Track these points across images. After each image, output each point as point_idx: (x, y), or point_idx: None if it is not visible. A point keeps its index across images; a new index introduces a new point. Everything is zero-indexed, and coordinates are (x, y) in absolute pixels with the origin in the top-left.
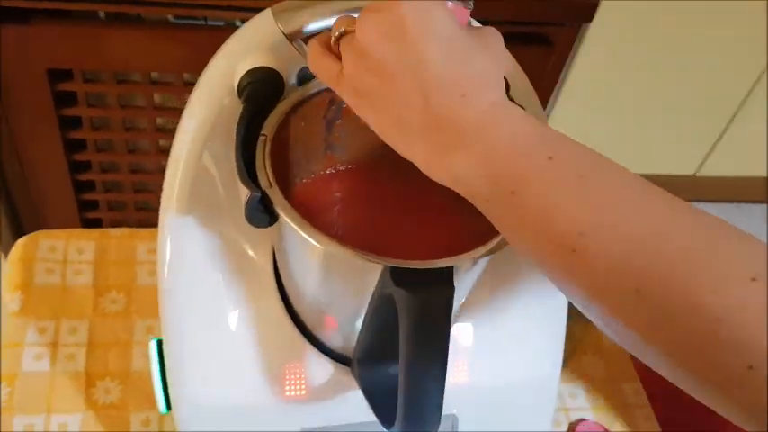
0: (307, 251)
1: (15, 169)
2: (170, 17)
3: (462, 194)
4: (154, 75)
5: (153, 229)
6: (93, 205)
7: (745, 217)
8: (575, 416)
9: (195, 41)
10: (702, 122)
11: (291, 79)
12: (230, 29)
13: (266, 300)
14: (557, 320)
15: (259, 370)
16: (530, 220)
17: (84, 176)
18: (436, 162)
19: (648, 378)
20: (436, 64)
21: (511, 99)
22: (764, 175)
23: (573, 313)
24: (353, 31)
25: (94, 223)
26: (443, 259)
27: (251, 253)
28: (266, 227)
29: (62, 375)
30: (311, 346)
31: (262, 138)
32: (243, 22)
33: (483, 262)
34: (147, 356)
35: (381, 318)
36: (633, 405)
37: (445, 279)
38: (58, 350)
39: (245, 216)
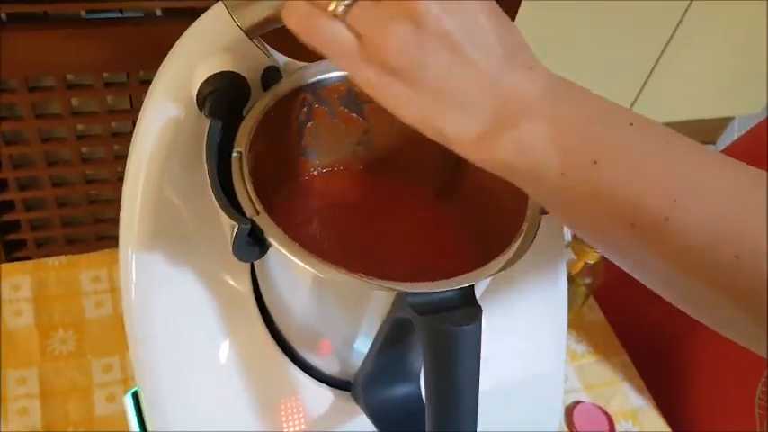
0: (303, 277)
1: None
2: (82, 12)
3: (521, 172)
4: (70, 77)
5: (92, 254)
6: (15, 226)
7: None
8: (569, 398)
9: (113, 37)
10: (627, 71)
11: (256, 82)
12: (151, 20)
13: (251, 329)
14: (558, 314)
15: (252, 409)
16: (612, 193)
17: (1, 197)
18: (494, 137)
19: (634, 347)
20: (498, 35)
21: None
22: (692, 118)
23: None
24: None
25: (17, 246)
26: (463, 276)
27: (230, 281)
28: (256, 259)
29: None
30: (306, 375)
31: (236, 155)
32: (163, 11)
33: None
34: (110, 400)
35: (393, 342)
36: (624, 379)
37: (469, 299)
38: (8, 405)
39: (234, 252)
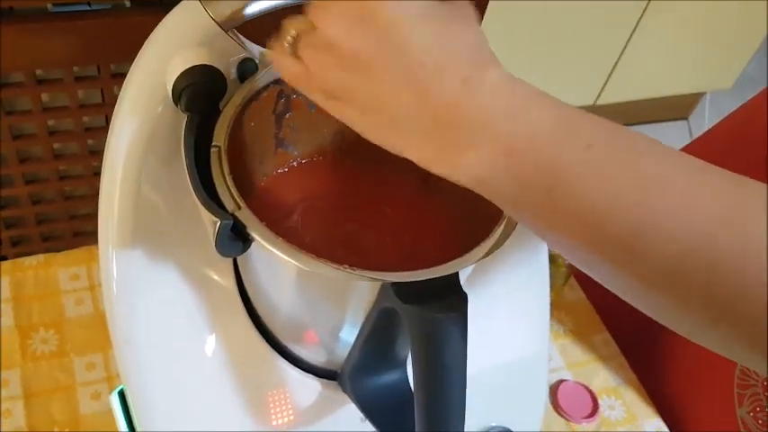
0: (287, 270)
1: None
2: (49, 6)
3: (485, 196)
4: (39, 73)
5: (69, 252)
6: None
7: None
8: (553, 377)
9: (82, 30)
10: (598, 49)
11: (232, 75)
12: (120, 12)
13: (236, 323)
14: (540, 295)
15: (240, 403)
16: (573, 219)
17: None
18: (447, 162)
19: (616, 326)
20: (420, 47)
21: None
22: (664, 95)
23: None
24: (310, 29)
25: None
26: (448, 264)
27: (213, 276)
28: (239, 254)
29: None
30: (292, 366)
31: (215, 150)
32: (132, 2)
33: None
34: (95, 398)
35: (379, 331)
36: (606, 357)
37: (454, 286)
38: None
39: (216, 248)
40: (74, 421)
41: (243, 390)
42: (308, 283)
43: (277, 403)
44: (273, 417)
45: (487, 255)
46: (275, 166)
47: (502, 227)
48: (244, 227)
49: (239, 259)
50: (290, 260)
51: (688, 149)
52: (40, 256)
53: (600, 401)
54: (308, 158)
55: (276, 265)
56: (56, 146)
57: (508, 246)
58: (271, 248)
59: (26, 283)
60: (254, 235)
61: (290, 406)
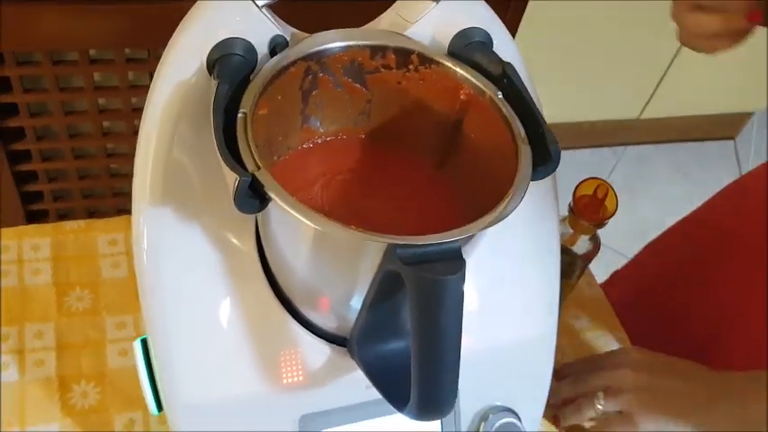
0: (300, 232)
1: None
2: None
3: None
4: (92, 52)
5: (110, 219)
6: (38, 197)
7: (690, 155)
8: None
9: (134, 13)
10: (645, 64)
11: (263, 49)
12: None
13: (254, 287)
14: (550, 280)
15: (253, 360)
16: None
17: (25, 167)
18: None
19: (633, 326)
20: None
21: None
22: (710, 113)
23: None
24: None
25: (40, 215)
26: (451, 232)
27: (234, 240)
28: (257, 212)
29: (33, 383)
30: (305, 331)
31: (241, 116)
32: None
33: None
34: (122, 355)
35: (384, 296)
36: None
37: (455, 253)
38: (26, 357)
39: (235, 203)
40: (100, 374)
41: (257, 347)
42: (319, 246)
43: (288, 364)
44: (284, 376)
45: (487, 227)
46: (300, 141)
47: (505, 203)
48: (261, 185)
49: (260, 225)
50: (301, 217)
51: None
52: (82, 222)
53: None
54: (333, 136)
55: (290, 228)
56: (105, 124)
57: (519, 227)
58: (283, 205)
59: (67, 245)
60: (270, 193)
61: (300, 367)
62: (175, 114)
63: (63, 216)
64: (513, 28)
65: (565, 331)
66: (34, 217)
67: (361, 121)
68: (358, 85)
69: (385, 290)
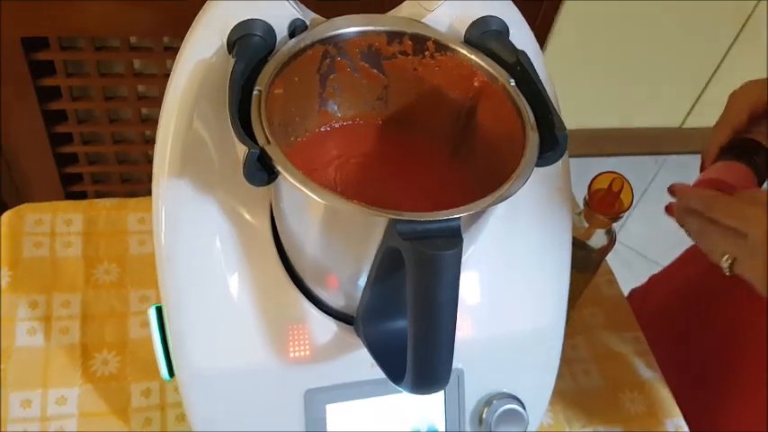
0: (308, 208)
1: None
2: None
3: None
4: (133, 40)
5: (142, 199)
6: (77, 178)
7: None
8: (577, 367)
9: (174, 4)
10: (687, 75)
11: (282, 31)
12: None
13: (266, 262)
14: (560, 271)
15: (262, 332)
16: None
17: (66, 149)
18: None
19: (650, 327)
20: None
21: (510, 42)
22: None
23: (576, 268)
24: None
25: (79, 196)
26: (450, 210)
27: (247, 217)
28: (265, 185)
29: (57, 349)
30: (314, 307)
31: (256, 93)
32: None
33: (488, 214)
34: (144, 327)
35: (386, 273)
36: (634, 353)
37: (453, 231)
38: (52, 324)
39: (244, 174)
40: (122, 344)
41: (266, 321)
42: (327, 225)
43: (296, 338)
44: (291, 350)
45: (485, 208)
46: (318, 124)
47: (508, 185)
48: (270, 158)
49: (273, 203)
50: (306, 191)
51: None
52: (114, 200)
53: (621, 394)
54: (350, 121)
55: (299, 206)
56: (143, 110)
57: (532, 219)
58: (290, 179)
59: (98, 221)
60: (278, 167)
61: (307, 342)
62: (195, 92)
63: (102, 197)
64: (545, 27)
65: (581, 328)
66: (74, 198)
67: (379, 107)
68: (375, 71)
69: (387, 267)
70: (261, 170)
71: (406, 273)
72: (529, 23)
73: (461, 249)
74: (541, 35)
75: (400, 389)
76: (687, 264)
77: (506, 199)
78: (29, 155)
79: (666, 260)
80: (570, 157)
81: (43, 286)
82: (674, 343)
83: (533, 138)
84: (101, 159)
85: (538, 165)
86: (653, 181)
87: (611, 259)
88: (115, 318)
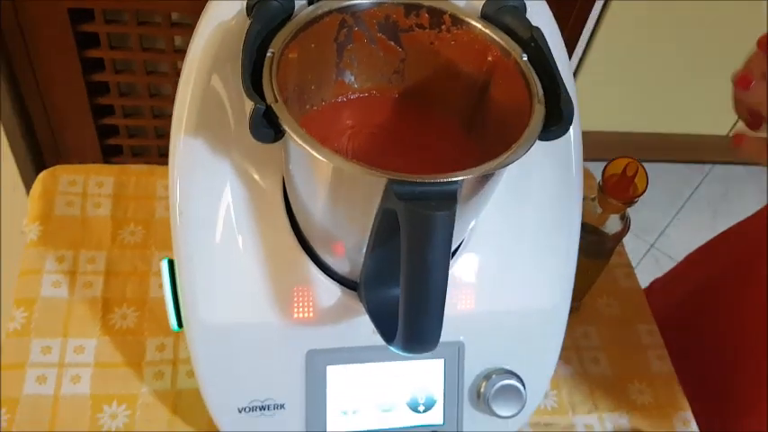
0: (312, 169)
1: (40, 114)
2: None
3: None
4: (174, 16)
5: None
6: (118, 150)
7: None
8: (586, 354)
9: None
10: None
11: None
12: None
13: (275, 224)
14: (568, 254)
15: (268, 292)
16: None
17: (107, 121)
18: None
19: (665, 320)
20: None
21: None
22: None
23: (589, 254)
24: None
25: None
26: (447, 174)
27: (259, 179)
28: (271, 142)
29: (80, 302)
30: (319, 271)
31: (269, 55)
32: None
33: (491, 185)
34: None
35: (384, 237)
36: (647, 346)
37: (449, 194)
38: (77, 278)
39: (249, 129)
40: (141, 301)
41: (272, 281)
42: (330, 187)
43: (300, 299)
44: (295, 310)
45: (481, 174)
46: (334, 94)
47: (506, 155)
48: (275, 117)
49: (284, 168)
50: (308, 147)
51: None
52: (144, 166)
53: (630, 384)
54: (366, 93)
55: (304, 167)
56: None
57: (541, 196)
58: (293, 135)
59: (128, 185)
60: (283, 124)
61: (311, 304)
62: (214, 54)
63: None
64: (579, 25)
65: (595, 317)
66: None
67: (395, 81)
68: (392, 43)
69: (385, 231)
70: (267, 127)
71: (401, 233)
72: (562, 24)
73: (454, 212)
74: (572, 37)
75: (393, 349)
76: (695, 266)
77: (503, 167)
78: (72, 125)
79: None
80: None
81: (71, 242)
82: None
83: (539, 110)
84: (140, 133)
85: (544, 138)
86: (696, 190)
87: (648, 266)
88: (137, 276)
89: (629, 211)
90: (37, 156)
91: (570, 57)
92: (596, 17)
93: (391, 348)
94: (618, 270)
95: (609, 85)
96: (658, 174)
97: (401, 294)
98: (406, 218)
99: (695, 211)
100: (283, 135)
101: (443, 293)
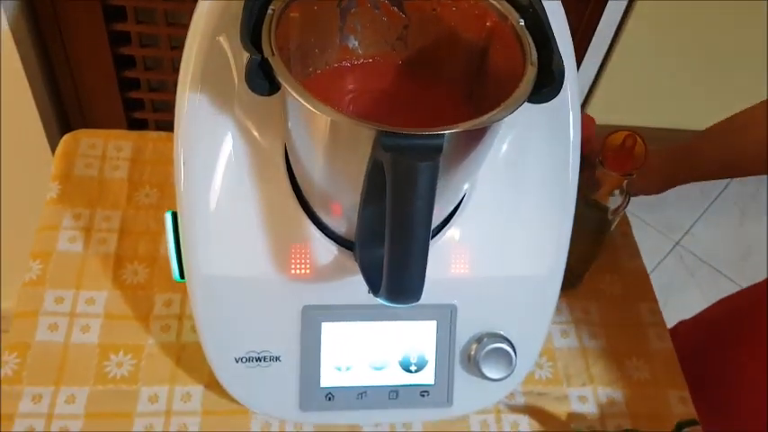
0: (305, 121)
1: (68, 85)
2: None
3: None
4: None
5: None
6: (143, 124)
7: None
8: (585, 329)
9: None
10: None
11: None
12: None
13: (275, 182)
14: (562, 223)
15: (266, 247)
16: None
17: (133, 95)
18: None
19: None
20: None
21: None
22: None
23: (590, 228)
24: None
25: None
26: (433, 127)
27: (259, 137)
28: (266, 95)
29: (93, 257)
30: (317, 229)
31: (269, 12)
32: None
33: (482, 146)
34: None
35: (376, 194)
36: (648, 324)
37: (434, 148)
38: (92, 235)
39: (245, 79)
40: (152, 258)
41: (271, 236)
42: (325, 142)
43: (298, 256)
44: (293, 267)
45: (467, 129)
46: (338, 58)
47: (494, 112)
48: (270, 68)
49: (284, 127)
50: (300, 98)
51: None
52: (162, 133)
53: (627, 361)
54: (370, 58)
55: (300, 122)
56: None
57: (538, 165)
58: (287, 86)
59: (146, 151)
60: (278, 77)
61: (308, 261)
62: (220, 13)
63: None
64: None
65: (596, 294)
66: None
67: (399, 47)
68: (395, 9)
69: (376, 187)
70: (263, 79)
71: (387, 182)
72: (576, 19)
73: (438, 164)
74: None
75: (380, 300)
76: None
77: (488, 124)
78: (99, 97)
79: (732, 271)
80: None
81: (89, 202)
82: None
83: (531, 72)
84: (165, 107)
85: (536, 101)
86: (726, 189)
87: (674, 265)
88: (150, 235)
89: (650, 208)
90: (64, 126)
91: (587, 46)
92: (623, 11)
93: (378, 300)
94: (622, 251)
95: (636, 79)
96: None
97: (386, 246)
98: (391, 168)
99: (723, 211)
100: (279, 89)
101: (426, 244)
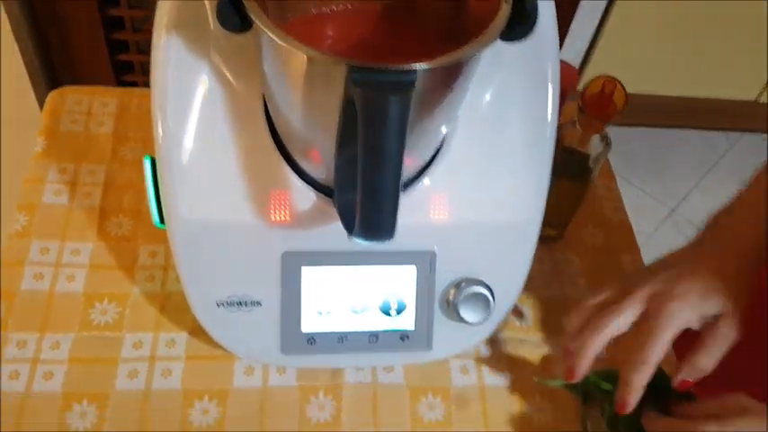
0: (278, 60)
1: (57, 47)
2: None
3: None
4: None
5: None
6: (128, 67)
7: None
8: (566, 280)
9: None
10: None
11: None
12: None
13: (253, 128)
14: (541, 169)
15: (246, 193)
16: None
17: (123, 57)
18: None
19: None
20: None
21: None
22: None
23: (571, 176)
24: None
25: None
26: (404, 63)
27: (235, 84)
28: (237, 31)
29: (79, 209)
30: (296, 176)
31: None
32: None
33: (456, 87)
34: None
35: (350, 134)
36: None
37: (405, 84)
38: (77, 188)
39: (216, 14)
40: (137, 212)
41: (250, 182)
42: (298, 81)
43: (277, 202)
44: (272, 213)
45: (437, 66)
46: (316, 5)
47: (466, 48)
48: (242, 4)
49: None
50: (271, 34)
51: None
52: (147, 89)
53: None
54: (348, 3)
55: (273, 61)
56: None
57: (517, 111)
58: (258, 22)
59: (131, 107)
60: (250, 13)
61: (288, 208)
62: None
63: None
64: None
65: (579, 246)
66: None
67: None
68: None
69: (349, 125)
70: (234, 14)
71: (358, 118)
72: None
73: (409, 99)
74: None
75: (355, 239)
76: None
77: (458, 61)
78: (89, 61)
79: None
80: (632, 126)
81: (74, 156)
82: None
83: (504, 9)
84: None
85: (509, 39)
86: (723, 157)
87: (667, 229)
88: (134, 189)
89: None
90: (51, 72)
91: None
92: None
93: (354, 239)
94: (606, 203)
95: (636, 46)
96: (683, 141)
97: (358, 185)
98: (361, 103)
99: (719, 181)
100: (251, 25)
101: (397, 180)
